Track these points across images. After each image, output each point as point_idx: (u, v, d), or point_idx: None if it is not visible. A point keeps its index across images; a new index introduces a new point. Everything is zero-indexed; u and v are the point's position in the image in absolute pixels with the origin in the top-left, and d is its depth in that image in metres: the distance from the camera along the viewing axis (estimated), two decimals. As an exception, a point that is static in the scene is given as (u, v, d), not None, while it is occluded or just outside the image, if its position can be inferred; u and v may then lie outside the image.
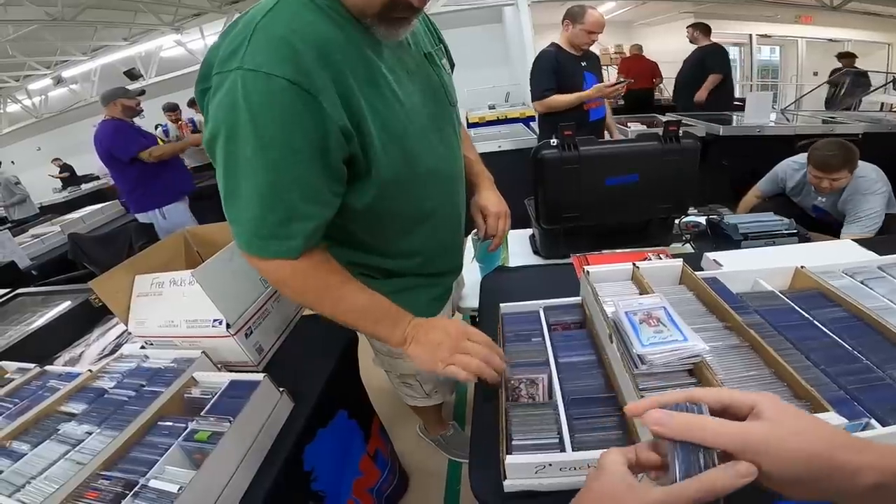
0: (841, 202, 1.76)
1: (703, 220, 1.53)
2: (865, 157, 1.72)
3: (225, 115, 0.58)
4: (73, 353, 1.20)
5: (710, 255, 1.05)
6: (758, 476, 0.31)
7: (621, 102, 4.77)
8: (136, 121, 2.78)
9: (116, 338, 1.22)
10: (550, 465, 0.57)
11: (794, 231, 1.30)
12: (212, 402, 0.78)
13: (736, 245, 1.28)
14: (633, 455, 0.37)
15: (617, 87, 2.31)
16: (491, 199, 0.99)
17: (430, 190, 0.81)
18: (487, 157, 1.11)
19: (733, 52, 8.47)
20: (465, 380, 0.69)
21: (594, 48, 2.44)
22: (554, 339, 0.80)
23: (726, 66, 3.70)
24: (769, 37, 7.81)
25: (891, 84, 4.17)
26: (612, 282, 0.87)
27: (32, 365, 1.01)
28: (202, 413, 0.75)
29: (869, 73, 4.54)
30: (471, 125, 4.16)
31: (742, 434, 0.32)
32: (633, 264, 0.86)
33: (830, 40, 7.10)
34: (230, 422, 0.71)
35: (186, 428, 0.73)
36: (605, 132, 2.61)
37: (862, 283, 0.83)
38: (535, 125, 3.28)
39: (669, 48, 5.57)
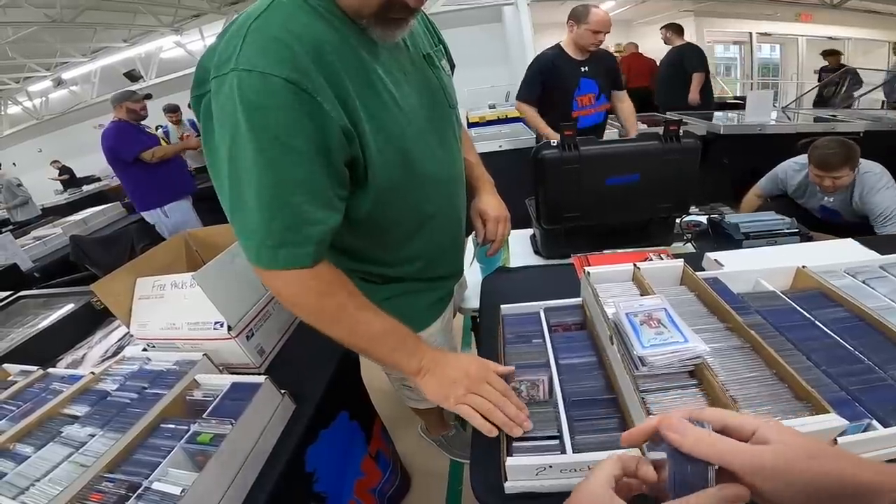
0: (855, 202, 1.73)
1: (704, 219, 1.53)
2: (866, 155, 1.71)
3: (225, 120, 0.57)
4: (75, 355, 1.20)
5: (712, 255, 1.05)
6: (771, 500, 0.31)
7: None
8: (138, 122, 2.85)
9: (119, 340, 1.23)
10: (551, 466, 0.57)
11: (796, 230, 1.30)
12: (214, 404, 0.78)
13: (737, 244, 1.28)
14: (632, 465, 0.37)
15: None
16: (491, 203, 0.97)
17: (429, 193, 0.80)
18: (487, 157, 1.11)
19: (733, 51, 8.48)
20: (478, 425, 0.64)
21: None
22: (555, 341, 0.80)
23: (705, 65, 3.72)
24: (769, 35, 7.79)
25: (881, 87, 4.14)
26: (613, 283, 0.87)
27: (35, 367, 1.02)
28: (204, 415, 0.75)
29: (863, 72, 4.53)
30: (471, 125, 4.14)
31: (754, 456, 0.32)
32: (634, 265, 0.86)
33: (831, 38, 7.08)
34: (232, 424, 0.71)
35: (189, 430, 0.73)
36: (604, 133, 2.58)
37: (864, 282, 0.83)
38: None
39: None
